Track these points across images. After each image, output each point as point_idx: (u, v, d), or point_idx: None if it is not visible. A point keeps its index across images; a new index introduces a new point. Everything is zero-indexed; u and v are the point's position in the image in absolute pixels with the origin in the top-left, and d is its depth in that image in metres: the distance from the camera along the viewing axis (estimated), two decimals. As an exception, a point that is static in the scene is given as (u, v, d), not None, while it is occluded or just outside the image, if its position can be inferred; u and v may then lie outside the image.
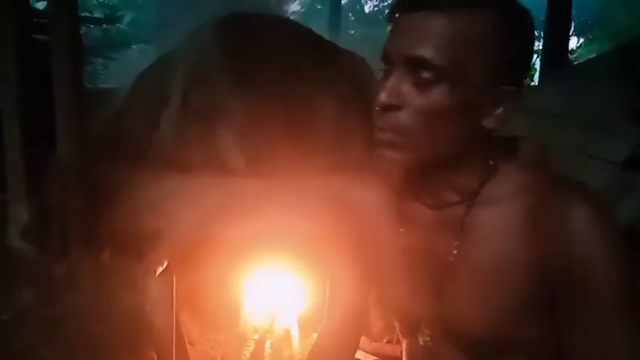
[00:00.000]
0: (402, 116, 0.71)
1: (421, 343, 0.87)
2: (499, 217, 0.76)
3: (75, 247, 1.68)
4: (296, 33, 2.43)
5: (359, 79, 2.34)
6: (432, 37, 0.68)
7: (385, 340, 2.37)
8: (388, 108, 0.71)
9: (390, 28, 0.73)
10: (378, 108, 0.71)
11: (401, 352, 2.31)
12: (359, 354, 2.36)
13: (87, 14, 6.81)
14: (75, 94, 1.81)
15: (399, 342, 2.33)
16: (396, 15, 0.72)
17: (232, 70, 2.14)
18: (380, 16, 16.05)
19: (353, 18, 15.04)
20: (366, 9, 16.31)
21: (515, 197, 0.75)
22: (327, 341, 1.02)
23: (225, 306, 2.35)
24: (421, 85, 0.69)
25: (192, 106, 2.11)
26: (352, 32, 14.38)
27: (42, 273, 1.57)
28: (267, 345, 2.25)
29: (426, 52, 0.68)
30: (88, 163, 1.82)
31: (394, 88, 0.70)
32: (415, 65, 0.69)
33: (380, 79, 0.75)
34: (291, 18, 3.42)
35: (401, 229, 0.85)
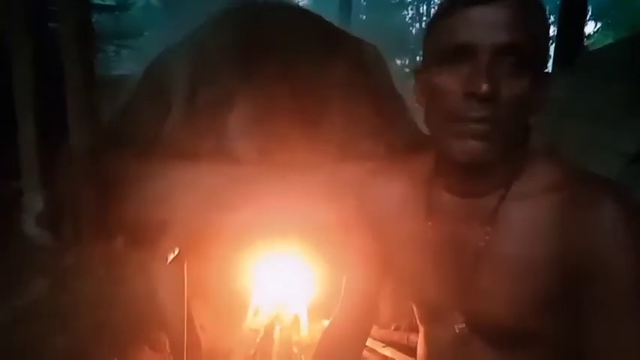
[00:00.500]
0: (500, 105, 0.71)
1: (457, 332, 0.88)
2: (530, 210, 0.77)
3: (87, 235, 1.72)
4: (306, 21, 2.42)
5: (369, 66, 2.33)
6: (515, 24, 0.70)
7: (393, 327, 2.39)
8: (490, 97, 0.71)
9: (456, 20, 0.73)
10: (476, 98, 0.71)
11: (408, 338, 2.33)
12: (367, 341, 2.38)
13: (98, 1, 6.82)
14: (86, 84, 1.83)
15: (406, 329, 2.35)
16: (469, 6, 0.72)
17: (241, 60, 2.14)
18: (392, 2, 15.89)
19: (365, 3, 14.89)
20: (378, -6, 16.13)
21: (546, 192, 0.77)
22: (339, 329, 1.03)
23: (235, 292, 2.38)
24: (511, 74, 0.71)
25: (201, 96, 2.12)
26: (364, 17, 14.25)
27: (56, 261, 1.60)
28: (276, 331, 2.28)
29: (515, 38, 0.70)
30: (99, 153, 1.84)
31: (492, 77, 0.71)
32: (503, 53, 0.71)
33: (449, 71, 0.74)
34: (302, 3, 3.39)
35: (429, 223, 0.86)
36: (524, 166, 0.79)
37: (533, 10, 0.73)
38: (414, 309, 1.00)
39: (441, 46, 0.75)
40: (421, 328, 1.02)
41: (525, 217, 0.77)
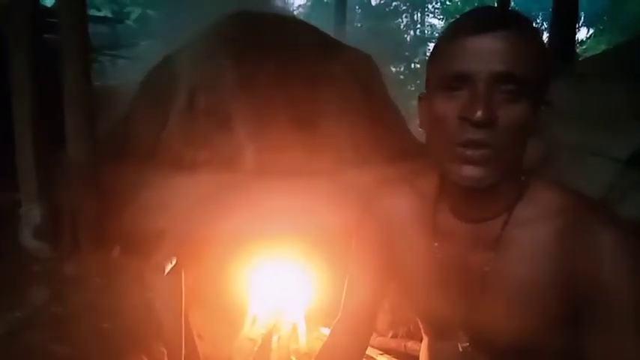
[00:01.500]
0: (496, 132, 0.73)
1: (460, 350, 0.91)
2: (532, 235, 0.80)
3: (85, 246, 1.72)
4: (301, 31, 2.44)
5: (364, 76, 2.36)
6: (515, 53, 0.73)
7: (390, 335, 2.39)
8: (486, 123, 0.73)
9: (456, 48, 0.76)
10: (471, 124, 0.73)
11: (405, 346, 2.33)
12: (365, 348, 2.38)
13: (94, 10, 6.84)
14: (84, 95, 1.84)
15: (404, 337, 2.36)
16: (468, 36, 0.75)
17: (238, 69, 2.16)
18: (386, 9, 15.99)
19: (360, 11, 14.97)
20: (373, 2, 16.23)
21: (547, 217, 0.80)
22: (339, 339, 1.04)
23: (233, 301, 2.38)
24: (508, 101, 0.73)
25: (199, 105, 2.14)
26: (359, 25, 14.33)
27: (53, 271, 1.60)
28: (275, 339, 2.28)
29: (513, 67, 0.72)
30: (97, 163, 1.84)
31: (488, 103, 0.73)
32: (501, 81, 0.73)
33: (449, 97, 0.76)
34: (298, 11, 3.42)
35: (435, 243, 0.88)
36: (524, 191, 0.82)
37: (530, 39, 0.75)
38: (420, 323, 1.02)
39: (442, 73, 0.77)
40: (425, 339, 1.03)
41: (528, 242, 0.80)
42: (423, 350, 1.06)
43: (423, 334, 1.05)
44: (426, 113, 0.83)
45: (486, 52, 0.73)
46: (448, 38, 0.78)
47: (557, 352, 0.83)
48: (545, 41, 0.78)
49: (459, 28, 0.76)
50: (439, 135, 0.79)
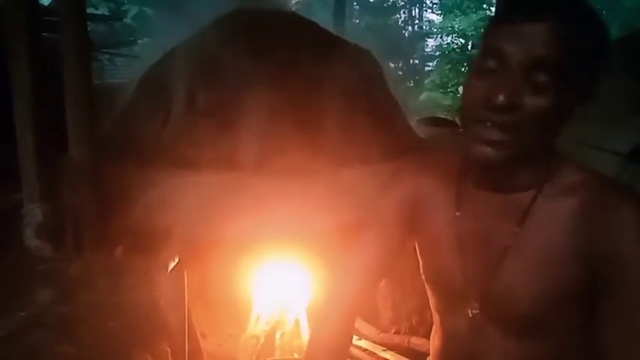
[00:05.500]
0: (518, 116, 0.74)
1: (470, 315, 0.92)
2: (557, 208, 0.83)
3: (88, 246, 1.72)
4: (301, 27, 2.44)
5: (365, 72, 2.35)
6: (555, 42, 0.73)
7: (393, 331, 2.40)
8: (507, 108, 0.73)
9: (503, 25, 0.76)
10: (494, 106, 0.74)
11: (408, 342, 2.34)
12: (367, 344, 2.39)
13: (91, 9, 6.81)
14: (84, 93, 1.83)
15: (406, 332, 2.36)
16: (512, 18, 0.75)
17: (239, 66, 2.15)
18: (385, 5, 15.94)
19: (358, 7, 14.93)
20: (371, -3, 16.18)
21: (573, 193, 0.83)
22: (333, 328, 1.04)
23: (236, 299, 2.39)
24: (539, 88, 0.74)
25: (199, 103, 2.13)
26: (357, 21, 14.29)
27: (57, 271, 1.61)
28: (278, 336, 2.29)
29: (552, 56, 0.73)
30: (99, 162, 1.84)
31: (514, 88, 0.73)
32: (535, 68, 0.73)
33: (484, 72, 0.77)
34: (296, 7, 3.41)
35: (457, 213, 0.91)
36: (553, 169, 0.85)
37: (580, 29, 0.74)
38: (431, 298, 1.04)
39: (484, 45, 0.79)
40: (436, 318, 1.06)
41: (553, 218, 0.83)
42: (434, 332, 1.08)
43: (433, 313, 1.07)
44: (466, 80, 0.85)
45: (527, 37, 0.73)
46: (497, 16, 0.80)
47: (569, 330, 0.85)
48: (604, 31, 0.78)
49: (508, 7, 0.77)
50: (466, 104, 0.81)
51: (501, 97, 0.73)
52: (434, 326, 1.09)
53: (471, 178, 0.90)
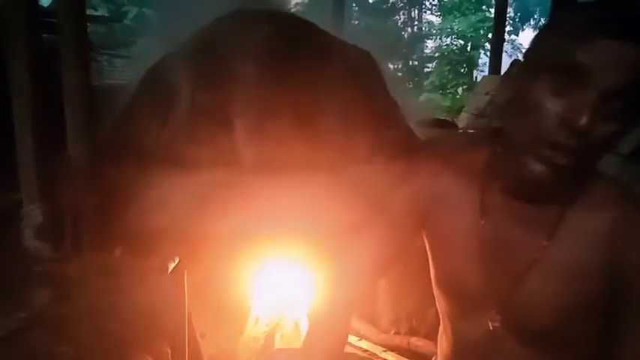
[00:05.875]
0: (586, 141, 0.70)
1: (491, 328, 0.90)
2: (587, 223, 0.81)
3: (87, 246, 1.72)
4: (300, 28, 2.43)
5: (364, 73, 2.35)
6: (636, 69, 0.68)
7: (393, 332, 2.40)
8: (584, 133, 0.69)
9: (587, 40, 0.69)
10: (571, 129, 0.69)
11: (408, 343, 2.33)
12: (367, 345, 2.39)
13: (91, 10, 6.81)
14: (83, 94, 1.83)
15: (406, 333, 2.36)
16: (600, 33, 0.68)
17: (237, 67, 2.15)
18: (384, 6, 15.96)
19: (357, 8, 14.95)
20: (370, -1, 16.21)
21: (603, 208, 0.81)
22: (329, 327, 1.03)
23: (236, 300, 2.38)
24: (611, 114, 0.69)
25: (199, 104, 2.13)
26: (356, 23, 14.31)
27: (56, 272, 1.60)
28: (277, 338, 2.28)
29: (634, 81, 0.68)
30: (97, 162, 1.84)
31: (596, 113, 0.69)
32: (617, 93, 0.68)
33: (556, 88, 0.71)
34: (296, 9, 3.41)
35: (482, 221, 0.88)
36: (588, 185, 0.83)
37: None
38: (442, 303, 1.01)
39: (558, 59, 0.71)
40: (447, 323, 1.03)
41: (582, 232, 0.81)
42: (443, 336, 1.06)
43: (443, 318, 1.04)
44: (517, 87, 0.78)
45: (616, 59, 0.68)
46: (579, 26, 0.70)
47: (588, 342, 0.84)
48: None
49: (597, 23, 0.70)
50: (525, 122, 0.75)
51: (584, 121, 0.68)
52: (442, 330, 1.07)
53: (500, 184, 0.86)
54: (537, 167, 0.74)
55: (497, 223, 0.86)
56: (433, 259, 0.99)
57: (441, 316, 1.05)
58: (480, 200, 0.88)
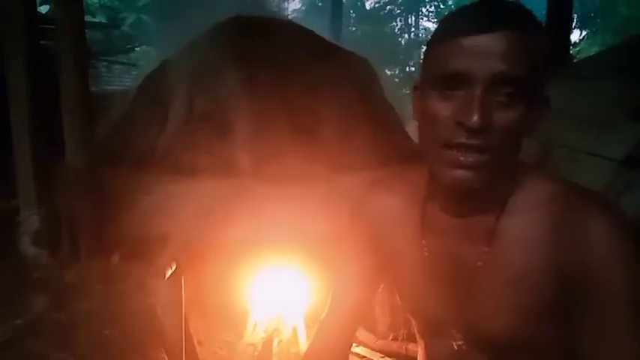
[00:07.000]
0: (492, 136, 0.71)
1: (455, 348, 0.90)
2: (526, 225, 0.79)
3: (85, 252, 1.72)
4: (298, 35, 2.45)
5: (361, 79, 2.37)
6: (515, 54, 0.70)
7: (391, 338, 2.39)
8: (480, 129, 0.70)
9: (453, 47, 0.72)
10: (467, 129, 0.70)
11: (406, 348, 2.33)
12: (365, 351, 2.39)
13: (89, 17, 6.84)
14: (81, 100, 1.83)
15: (404, 339, 2.36)
16: (466, 34, 0.71)
17: (235, 74, 2.16)
18: (381, 13, 16.05)
19: (354, 15, 15.03)
20: (367, 6, 16.30)
21: (539, 207, 0.78)
22: (328, 337, 1.03)
23: (233, 306, 2.38)
24: (505, 104, 0.71)
25: (196, 110, 2.14)
26: (353, 29, 14.38)
27: (53, 279, 1.60)
28: (275, 344, 2.28)
29: (514, 69, 0.69)
30: (95, 169, 1.84)
31: (485, 108, 0.70)
32: (500, 83, 0.70)
33: (444, 96, 0.73)
34: (293, 15, 3.43)
35: (423, 241, 0.87)
36: (517, 182, 0.81)
37: (532, 37, 0.72)
38: (413, 323, 1.02)
39: (436, 71, 0.74)
40: (420, 342, 1.03)
41: (521, 234, 0.79)
42: (420, 354, 1.06)
43: (417, 336, 1.04)
44: (419, 106, 0.80)
45: (485, 52, 0.70)
46: (445, 35, 0.74)
47: (553, 346, 0.82)
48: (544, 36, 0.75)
49: (457, 25, 0.73)
50: (430, 133, 0.76)
51: (475, 119, 0.69)
52: (419, 349, 1.07)
53: (438, 201, 0.86)
54: (457, 173, 0.73)
55: (438, 242, 0.86)
56: (392, 284, 1.00)
57: (416, 336, 1.05)
58: (421, 221, 0.88)
